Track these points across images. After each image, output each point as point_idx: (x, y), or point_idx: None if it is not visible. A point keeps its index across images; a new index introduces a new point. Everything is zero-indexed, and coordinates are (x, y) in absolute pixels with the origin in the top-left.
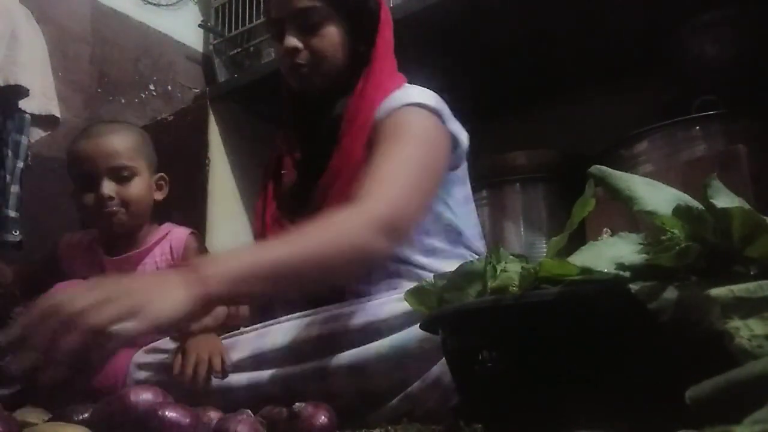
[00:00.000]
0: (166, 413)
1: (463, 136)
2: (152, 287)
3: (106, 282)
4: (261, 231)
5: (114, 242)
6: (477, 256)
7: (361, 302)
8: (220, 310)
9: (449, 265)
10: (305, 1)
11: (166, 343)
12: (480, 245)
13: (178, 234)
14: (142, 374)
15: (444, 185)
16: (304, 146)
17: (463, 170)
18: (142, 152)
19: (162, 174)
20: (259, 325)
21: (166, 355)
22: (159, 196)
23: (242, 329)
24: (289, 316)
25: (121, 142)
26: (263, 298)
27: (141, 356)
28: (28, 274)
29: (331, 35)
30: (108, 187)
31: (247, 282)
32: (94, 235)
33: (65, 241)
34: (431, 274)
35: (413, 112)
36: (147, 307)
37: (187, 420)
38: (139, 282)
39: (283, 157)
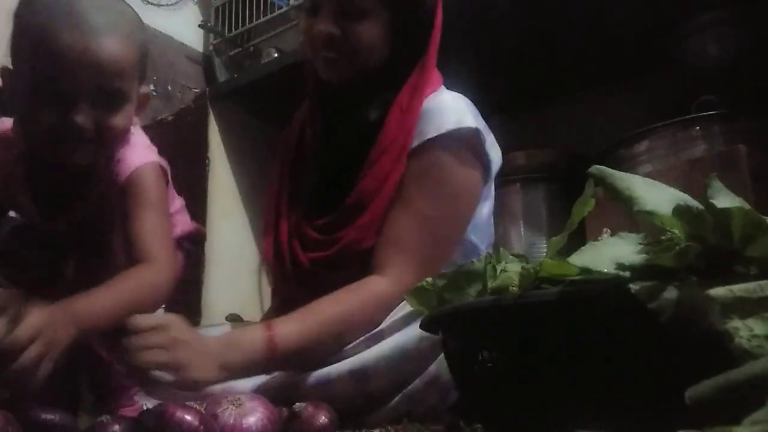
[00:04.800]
0: (175, 413)
1: (497, 156)
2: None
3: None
4: (272, 222)
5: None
6: None
7: None
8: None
9: None
10: None
11: None
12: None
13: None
14: None
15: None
16: (326, 143)
17: (490, 187)
18: (140, 65)
19: (147, 90)
20: None
21: None
22: (136, 119)
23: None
24: None
25: (122, 51)
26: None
27: None
28: None
29: (374, 28)
30: (85, 117)
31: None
32: (15, 146)
33: None
34: None
35: (448, 152)
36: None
37: (189, 419)
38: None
39: (301, 144)
